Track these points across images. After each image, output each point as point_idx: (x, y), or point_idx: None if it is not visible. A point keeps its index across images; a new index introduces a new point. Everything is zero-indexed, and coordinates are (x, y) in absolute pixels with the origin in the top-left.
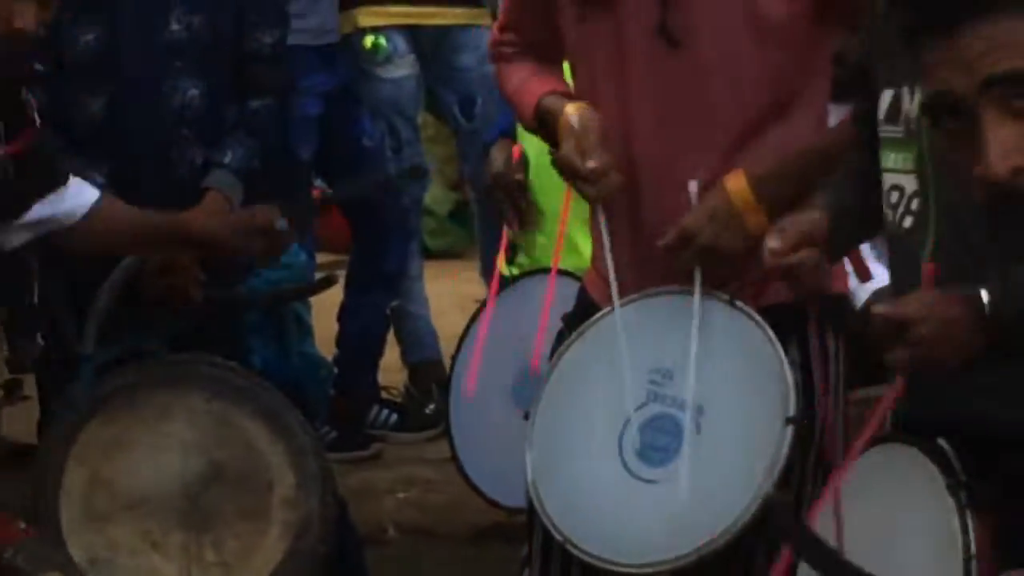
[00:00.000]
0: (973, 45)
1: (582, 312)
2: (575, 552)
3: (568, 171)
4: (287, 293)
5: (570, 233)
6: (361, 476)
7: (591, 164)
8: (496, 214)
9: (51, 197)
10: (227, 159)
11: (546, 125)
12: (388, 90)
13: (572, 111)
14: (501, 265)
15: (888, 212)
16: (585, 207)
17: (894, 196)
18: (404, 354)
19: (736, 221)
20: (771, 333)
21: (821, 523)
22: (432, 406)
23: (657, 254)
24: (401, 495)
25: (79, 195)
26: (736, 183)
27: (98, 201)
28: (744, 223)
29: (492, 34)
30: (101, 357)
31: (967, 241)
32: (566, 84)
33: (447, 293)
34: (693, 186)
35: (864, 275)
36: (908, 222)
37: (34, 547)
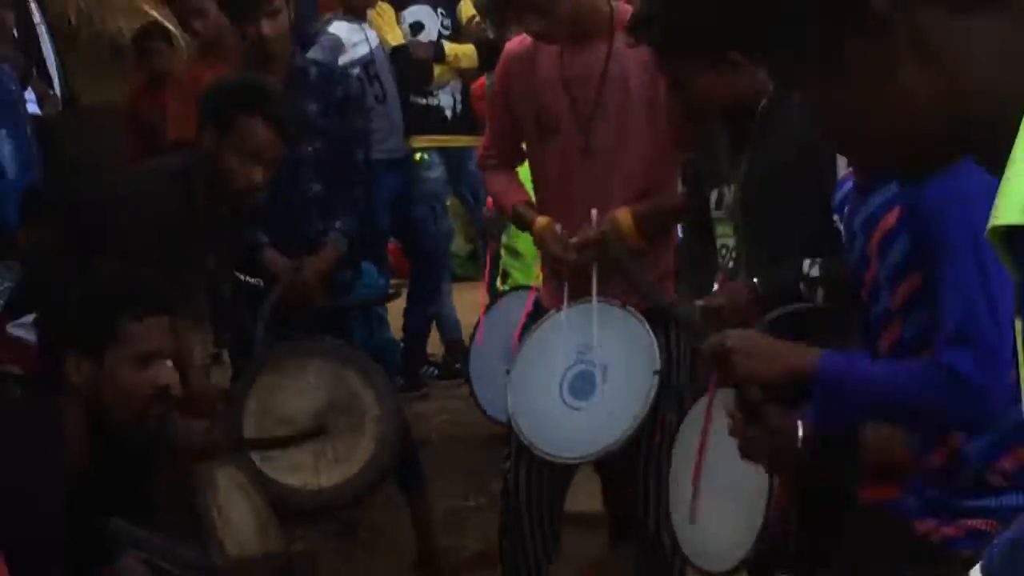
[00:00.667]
0: None
1: (538, 313)
2: (535, 451)
3: (553, 258)
4: (373, 301)
5: (535, 268)
6: (416, 406)
7: (571, 257)
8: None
9: None
10: (338, 225)
11: (519, 221)
12: (429, 185)
13: (543, 224)
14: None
15: (720, 258)
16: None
17: (723, 250)
18: (441, 335)
19: (622, 234)
20: (645, 323)
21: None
22: (457, 366)
23: (582, 276)
24: (440, 418)
25: None
26: (623, 213)
27: None
28: (625, 237)
29: (479, 151)
30: (266, 339)
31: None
32: (526, 191)
33: (466, 302)
34: (594, 214)
35: None
36: (731, 264)
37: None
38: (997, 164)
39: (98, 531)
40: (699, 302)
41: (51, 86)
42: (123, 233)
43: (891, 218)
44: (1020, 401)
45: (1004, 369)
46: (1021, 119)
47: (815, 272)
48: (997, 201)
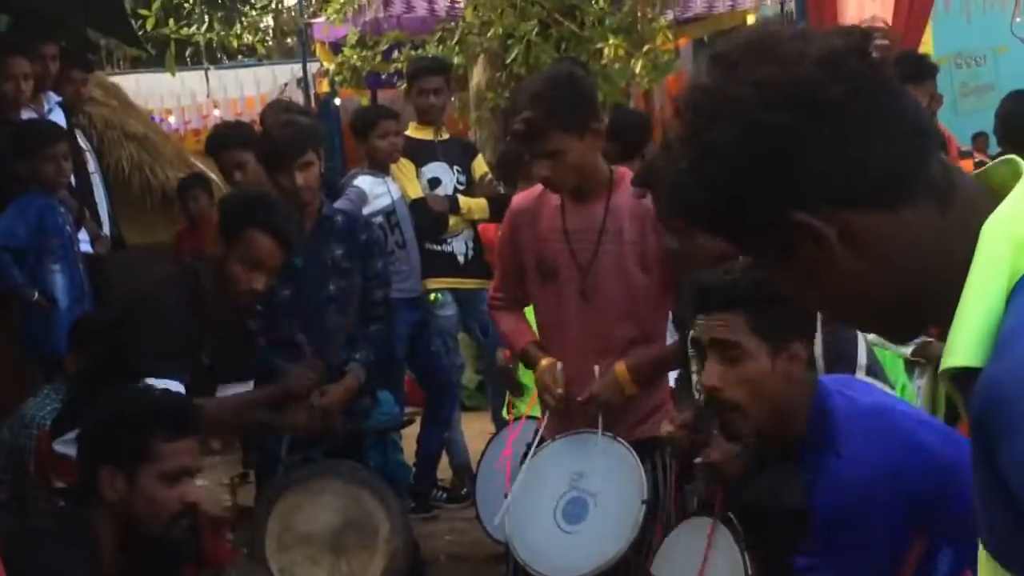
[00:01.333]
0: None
1: (537, 441)
2: (531, 571)
3: (547, 393)
4: (388, 427)
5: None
6: (426, 526)
7: (559, 392)
8: (502, 387)
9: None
10: (358, 356)
11: (527, 359)
12: (442, 322)
13: (546, 364)
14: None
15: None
16: None
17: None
18: (451, 460)
19: (619, 389)
20: (635, 455)
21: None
22: (464, 490)
23: (576, 408)
24: (448, 538)
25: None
26: (620, 368)
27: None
28: (623, 391)
29: (490, 293)
30: (289, 461)
31: None
32: (532, 331)
33: (474, 430)
34: (596, 370)
35: None
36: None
37: (246, 565)
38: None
39: None
40: (698, 460)
41: (101, 228)
42: (141, 331)
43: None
44: None
45: None
46: (963, 285)
47: None
48: (947, 347)
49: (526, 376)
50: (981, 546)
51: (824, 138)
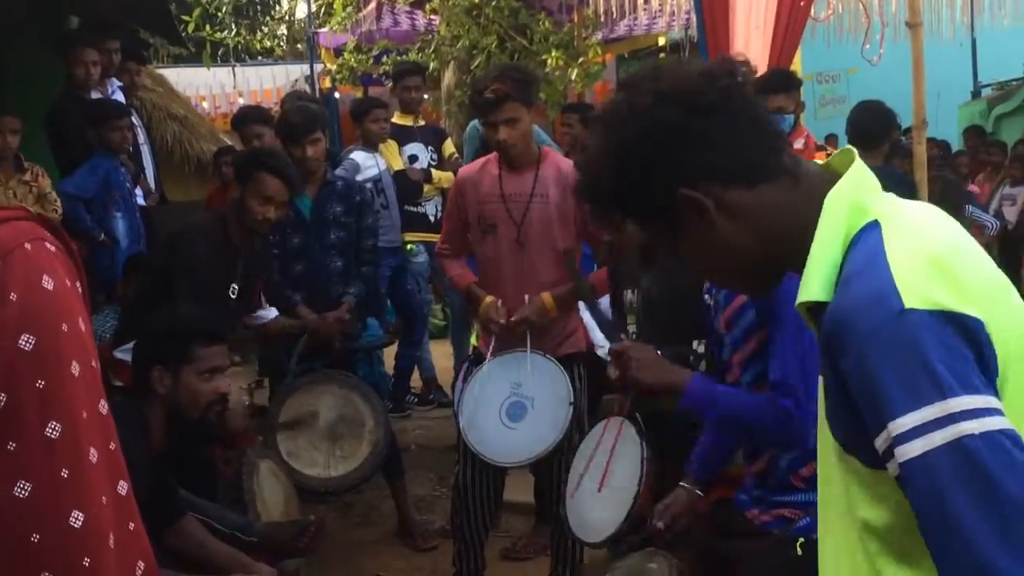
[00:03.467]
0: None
1: (478, 360)
2: (481, 457)
3: (491, 323)
4: (374, 345)
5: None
6: (400, 423)
7: (501, 322)
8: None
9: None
10: (352, 291)
11: (470, 297)
12: (416, 267)
13: (489, 301)
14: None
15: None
16: None
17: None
18: (420, 373)
19: (545, 312)
20: (561, 368)
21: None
22: (431, 396)
23: (513, 333)
24: (417, 432)
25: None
26: (546, 296)
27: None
28: (548, 314)
29: (438, 244)
30: (296, 370)
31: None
32: (473, 275)
33: (439, 352)
34: (527, 298)
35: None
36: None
37: (261, 449)
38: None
39: (169, 497)
40: (600, 344)
41: (150, 186)
42: (186, 254)
43: (743, 297)
44: (815, 427)
45: (812, 406)
46: (811, 242)
47: (701, 349)
48: (801, 286)
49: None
50: (828, 441)
51: (704, 131)
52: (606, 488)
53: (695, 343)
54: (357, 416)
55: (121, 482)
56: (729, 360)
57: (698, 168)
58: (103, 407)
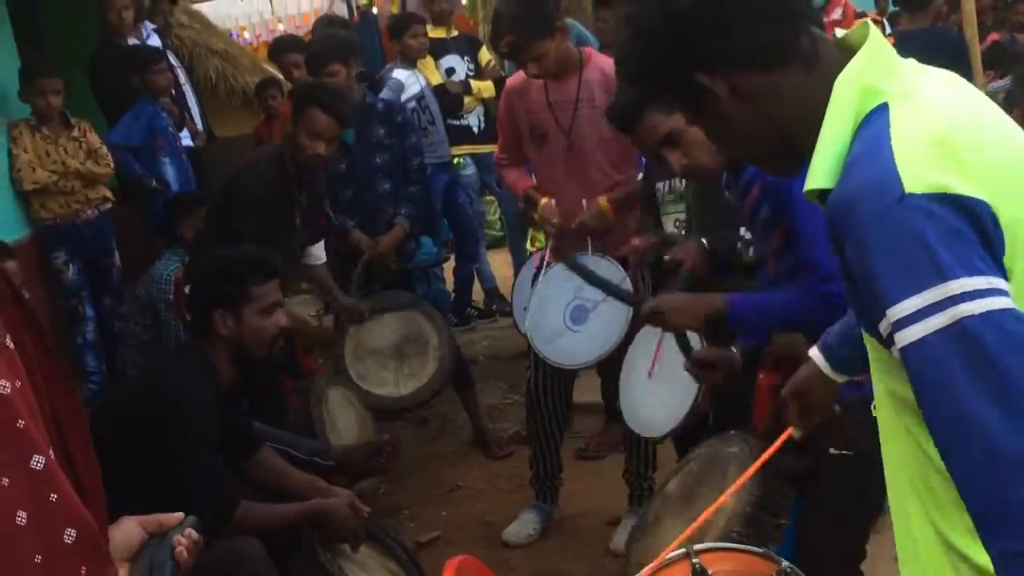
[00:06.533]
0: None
1: (545, 265)
2: (548, 361)
3: (547, 223)
4: (430, 263)
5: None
6: (465, 336)
7: (556, 221)
8: (519, 227)
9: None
10: (403, 211)
11: (528, 201)
12: (465, 179)
13: (544, 202)
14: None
15: (674, 227)
16: None
17: (676, 223)
18: (482, 285)
19: (604, 217)
20: (620, 267)
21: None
22: (494, 307)
23: (572, 237)
24: (484, 343)
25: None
26: (602, 200)
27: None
28: (605, 218)
29: (496, 155)
30: (359, 294)
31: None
32: (531, 180)
33: (498, 261)
34: (584, 203)
35: None
36: (683, 231)
37: (331, 375)
38: None
39: (244, 432)
40: (666, 256)
41: (196, 126)
42: (246, 192)
43: (755, 191)
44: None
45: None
46: (821, 128)
47: (748, 236)
48: (809, 172)
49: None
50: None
51: (716, 15)
52: (656, 377)
53: (742, 230)
54: (421, 334)
55: (35, 456)
56: (764, 254)
57: (712, 53)
58: (4, 386)
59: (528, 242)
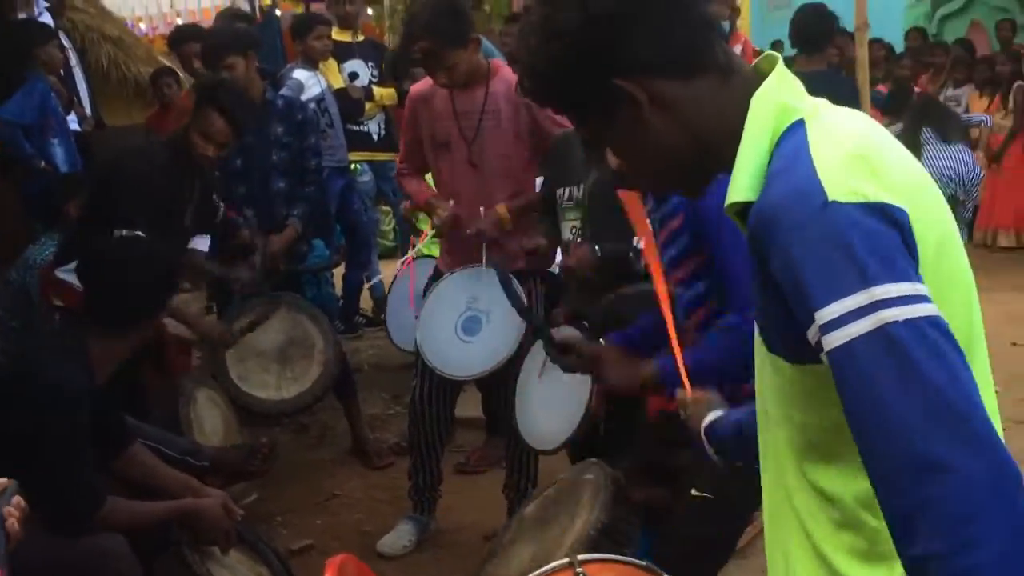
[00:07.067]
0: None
1: (436, 275)
2: (437, 371)
3: (436, 213)
4: (321, 267)
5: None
6: (352, 344)
7: (447, 205)
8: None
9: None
10: (296, 212)
11: (431, 208)
12: (361, 186)
13: (442, 204)
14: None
15: (570, 234)
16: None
17: (573, 229)
18: (371, 293)
19: (500, 224)
20: (516, 282)
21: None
22: (382, 316)
23: (468, 247)
24: (370, 352)
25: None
26: (501, 208)
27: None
28: (503, 226)
29: (397, 163)
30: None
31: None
32: (432, 189)
33: (391, 270)
34: (482, 210)
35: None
36: (579, 238)
37: (197, 376)
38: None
39: (116, 426)
40: (558, 261)
41: (85, 110)
42: (132, 185)
43: (677, 221)
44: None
45: None
46: (739, 136)
47: (641, 245)
48: (729, 188)
49: (422, 223)
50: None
51: (639, 20)
52: (548, 388)
53: (635, 239)
54: (306, 338)
55: None
56: (669, 280)
57: (632, 58)
58: None
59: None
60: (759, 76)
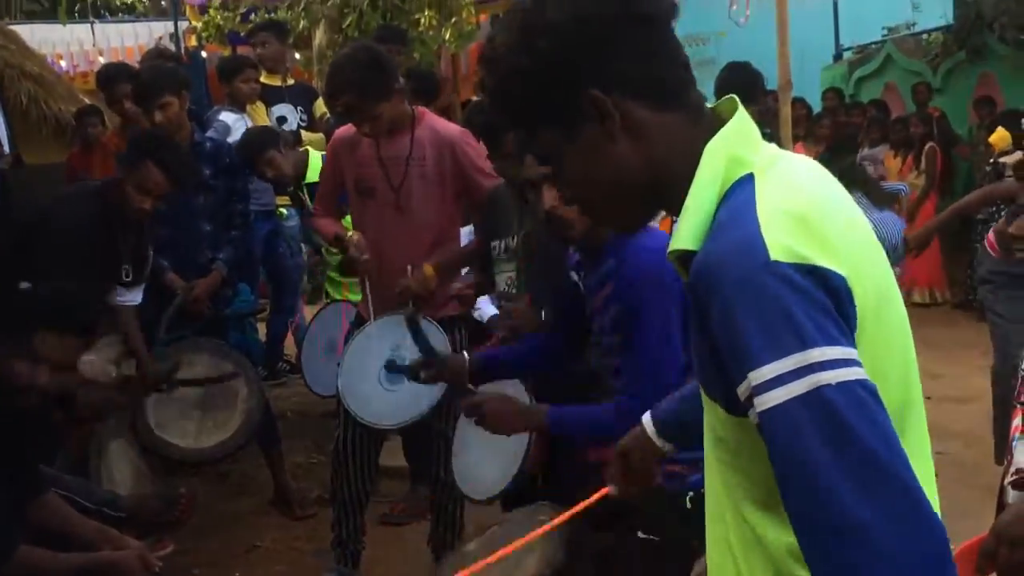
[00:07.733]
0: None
1: (359, 322)
2: (360, 420)
3: (352, 263)
4: (246, 313)
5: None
6: (275, 391)
7: (364, 258)
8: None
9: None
10: (221, 256)
11: (339, 242)
12: (289, 230)
13: (354, 236)
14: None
15: (506, 285)
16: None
17: (508, 281)
18: (296, 340)
19: (427, 284)
20: (441, 330)
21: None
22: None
23: (391, 296)
24: (293, 400)
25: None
26: (428, 268)
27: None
28: (429, 285)
29: (313, 206)
30: (166, 339)
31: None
32: (342, 227)
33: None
34: (409, 268)
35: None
36: (514, 289)
37: (110, 426)
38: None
39: (30, 471)
40: (503, 304)
41: (2, 147)
42: (54, 237)
43: (607, 290)
44: None
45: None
46: (692, 180)
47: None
48: (673, 235)
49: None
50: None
51: (629, 36)
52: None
53: (573, 274)
54: (230, 385)
55: None
56: (602, 343)
57: (614, 72)
58: None
59: (328, 292)
60: (719, 121)
